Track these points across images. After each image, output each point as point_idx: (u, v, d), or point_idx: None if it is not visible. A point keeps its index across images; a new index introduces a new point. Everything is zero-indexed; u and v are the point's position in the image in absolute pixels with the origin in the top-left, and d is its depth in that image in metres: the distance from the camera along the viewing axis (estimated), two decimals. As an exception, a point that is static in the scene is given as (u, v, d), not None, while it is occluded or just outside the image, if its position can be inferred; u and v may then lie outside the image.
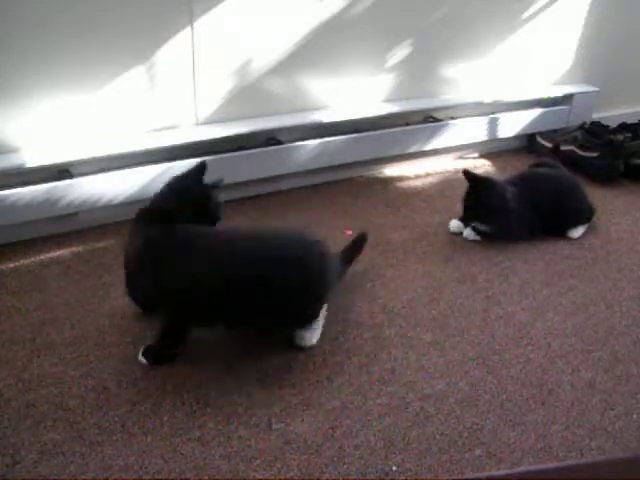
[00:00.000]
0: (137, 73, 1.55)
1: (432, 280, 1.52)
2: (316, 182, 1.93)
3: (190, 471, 1.01)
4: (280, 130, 1.79)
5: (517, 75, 2.21)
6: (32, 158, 1.47)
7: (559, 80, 2.32)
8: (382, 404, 1.15)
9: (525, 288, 1.51)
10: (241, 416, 1.11)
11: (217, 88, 1.69)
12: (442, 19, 1.95)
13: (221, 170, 1.69)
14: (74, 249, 1.55)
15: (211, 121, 1.72)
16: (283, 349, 1.27)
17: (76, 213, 1.58)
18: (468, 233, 1.70)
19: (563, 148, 2.16)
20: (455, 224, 1.73)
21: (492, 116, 2.14)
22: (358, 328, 1.34)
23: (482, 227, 1.68)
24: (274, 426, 1.09)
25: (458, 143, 2.12)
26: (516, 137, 2.27)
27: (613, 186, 2.06)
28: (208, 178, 1.68)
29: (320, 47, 1.78)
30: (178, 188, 1.26)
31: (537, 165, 1.87)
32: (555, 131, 2.26)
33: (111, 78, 1.53)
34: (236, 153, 1.72)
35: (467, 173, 1.64)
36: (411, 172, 2.08)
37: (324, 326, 1.31)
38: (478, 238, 1.69)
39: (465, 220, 1.71)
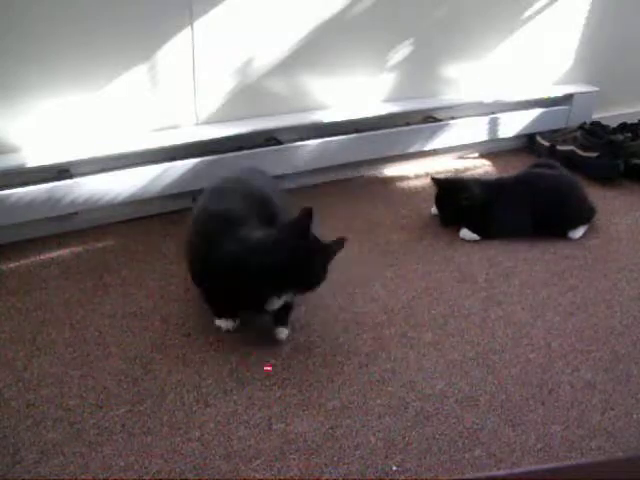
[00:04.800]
0: (137, 73, 1.55)
1: (432, 280, 1.52)
2: (316, 182, 1.93)
3: (190, 471, 1.01)
4: (280, 130, 1.79)
5: (517, 75, 2.21)
6: (32, 158, 1.47)
7: (559, 80, 2.32)
8: (382, 404, 1.15)
9: (525, 288, 1.51)
10: (241, 416, 1.11)
11: (217, 88, 1.69)
12: (442, 19, 1.95)
13: (221, 170, 1.70)
14: (74, 249, 1.55)
15: (211, 121, 1.72)
16: (283, 349, 1.27)
17: (76, 213, 1.58)
18: (464, 233, 1.70)
19: (563, 148, 2.16)
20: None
21: (492, 116, 2.14)
22: (358, 328, 1.34)
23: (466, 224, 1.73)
24: (274, 426, 1.09)
25: (458, 143, 2.12)
26: (516, 137, 2.27)
27: (613, 186, 2.06)
28: (209, 178, 1.69)
29: (320, 47, 1.78)
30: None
31: (537, 166, 1.87)
32: (555, 131, 2.26)
33: (111, 78, 1.53)
34: (236, 153, 1.72)
35: (433, 179, 1.76)
36: (411, 172, 2.08)
37: (324, 326, 1.31)
38: (475, 237, 1.69)
39: (444, 223, 1.76)
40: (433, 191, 1.78)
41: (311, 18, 1.73)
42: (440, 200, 1.76)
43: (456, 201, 1.69)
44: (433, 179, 1.76)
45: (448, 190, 1.73)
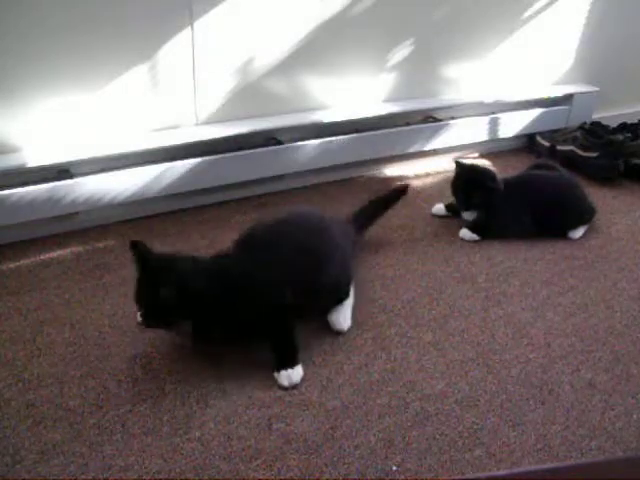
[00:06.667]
0: (137, 73, 1.55)
1: (432, 280, 1.52)
2: (316, 182, 1.93)
3: (190, 471, 1.01)
4: (280, 130, 1.79)
5: (517, 75, 2.21)
6: (33, 158, 1.47)
7: (559, 80, 2.32)
8: (382, 404, 1.15)
9: (525, 288, 1.51)
10: (241, 416, 1.11)
11: (217, 88, 1.69)
12: (442, 19, 1.95)
13: (221, 170, 1.71)
14: (74, 249, 1.55)
15: (211, 121, 1.72)
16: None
17: (77, 213, 1.58)
18: (464, 233, 1.70)
19: (563, 148, 2.16)
20: (438, 207, 1.81)
21: (492, 116, 2.14)
22: (358, 328, 1.34)
23: (470, 215, 1.72)
24: (274, 426, 1.09)
25: (458, 143, 2.12)
26: (516, 137, 2.27)
27: (613, 186, 2.06)
28: (210, 178, 1.69)
29: (320, 47, 1.78)
30: None
31: (536, 167, 1.87)
32: (555, 131, 2.26)
33: (111, 78, 1.53)
34: (236, 153, 1.72)
35: (457, 162, 1.73)
36: (411, 172, 2.08)
37: (324, 326, 1.31)
38: (475, 237, 1.69)
39: (457, 206, 1.75)
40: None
41: (311, 18, 1.73)
42: (460, 185, 1.72)
43: (478, 186, 1.68)
44: (457, 162, 1.72)
45: (467, 174, 1.71)
